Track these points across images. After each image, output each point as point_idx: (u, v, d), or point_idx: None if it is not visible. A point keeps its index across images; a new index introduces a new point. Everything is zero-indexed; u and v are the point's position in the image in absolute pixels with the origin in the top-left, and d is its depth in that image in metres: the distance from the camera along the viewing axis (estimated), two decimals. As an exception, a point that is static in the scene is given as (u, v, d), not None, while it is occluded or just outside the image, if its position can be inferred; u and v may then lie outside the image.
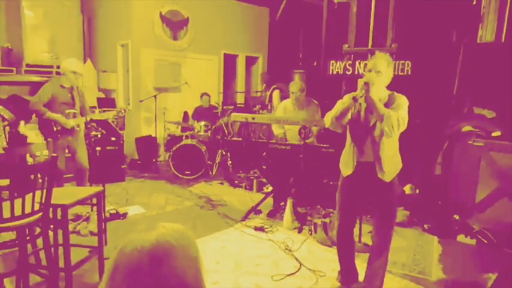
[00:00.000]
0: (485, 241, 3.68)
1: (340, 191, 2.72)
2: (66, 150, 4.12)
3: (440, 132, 4.67)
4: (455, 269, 3.21)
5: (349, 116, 2.54)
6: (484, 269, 3.17)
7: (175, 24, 7.08)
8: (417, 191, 4.66)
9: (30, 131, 4.90)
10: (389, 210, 2.62)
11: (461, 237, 3.79)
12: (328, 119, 2.56)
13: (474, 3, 4.60)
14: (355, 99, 2.39)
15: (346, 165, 2.63)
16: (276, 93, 6.88)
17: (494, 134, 4.18)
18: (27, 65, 6.29)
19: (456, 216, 4.13)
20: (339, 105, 2.52)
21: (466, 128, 4.38)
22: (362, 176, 2.57)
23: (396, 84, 4.61)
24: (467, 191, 4.17)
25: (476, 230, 3.81)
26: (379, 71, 2.44)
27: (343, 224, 2.74)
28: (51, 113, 3.90)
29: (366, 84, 2.36)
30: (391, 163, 2.53)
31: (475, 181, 4.11)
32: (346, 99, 2.50)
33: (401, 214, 4.20)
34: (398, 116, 2.34)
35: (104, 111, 5.41)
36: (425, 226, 4.05)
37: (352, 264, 2.85)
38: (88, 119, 4.01)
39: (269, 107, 6.96)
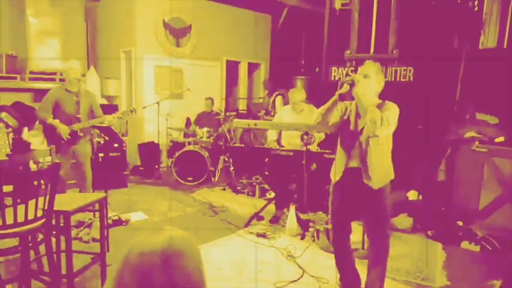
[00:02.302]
0: (490, 247, 3.65)
1: (330, 198, 2.73)
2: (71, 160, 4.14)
3: (443, 138, 4.66)
4: (459, 275, 3.19)
5: (337, 117, 2.58)
6: (489, 276, 3.14)
7: (178, 31, 7.13)
8: (420, 197, 4.64)
9: (34, 138, 4.93)
10: (378, 219, 2.60)
11: (465, 244, 3.76)
12: (316, 114, 2.61)
13: (476, 9, 4.61)
14: (340, 96, 2.43)
15: (335, 171, 2.64)
16: (278, 99, 6.90)
17: (497, 140, 4.17)
18: (31, 72, 6.35)
19: (460, 223, 4.10)
20: (327, 102, 2.56)
21: (469, 134, 4.37)
22: (349, 182, 2.58)
23: (399, 91, 4.63)
24: (471, 197, 4.15)
25: (480, 236, 3.78)
26: (367, 75, 2.48)
27: (336, 231, 2.75)
28: (53, 120, 3.94)
29: (351, 80, 2.41)
30: (378, 170, 2.52)
31: (478, 187, 4.09)
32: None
33: (404, 221, 4.18)
34: (382, 115, 2.34)
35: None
36: (429, 232, 4.02)
37: (352, 271, 2.84)
38: (87, 125, 4.02)
39: (272, 113, 6.97)
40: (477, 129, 4.35)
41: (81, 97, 4.08)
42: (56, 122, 3.93)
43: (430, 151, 4.77)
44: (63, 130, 3.94)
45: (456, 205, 4.33)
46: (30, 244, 2.59)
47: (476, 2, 4.61)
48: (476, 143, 4.17)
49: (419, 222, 4.21)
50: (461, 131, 4.46)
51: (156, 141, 6.62)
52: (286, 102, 6.14)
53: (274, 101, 7.01)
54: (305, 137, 4.00)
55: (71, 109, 4.02)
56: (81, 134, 4.06)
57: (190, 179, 5.94)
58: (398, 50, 4.65)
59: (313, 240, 3.80)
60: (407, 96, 4.72)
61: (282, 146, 4.56)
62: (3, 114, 5.19)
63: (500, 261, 3.45)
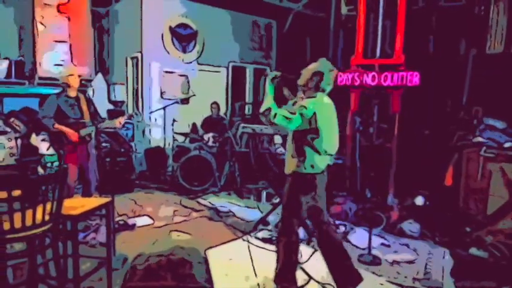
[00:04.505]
0: (498, 254, 3.61)
1: None
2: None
3: (450, 144, 4.62)
4: (467, 282, 3.15)
5: None
6: (497, 283, 3.10)
7: (184, 37, 7.18)
8: (427, 203, 4.60)
9: (42, 143, 4.97)
10: (283, 202, 2.91)
11: (473, 250, 3.72)
12: None
13: (482, 13, 4.60)
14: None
15: None
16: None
17: (506, 145, 4.13)
18: (40, 78, 6.43)
19: (467, 229, 4.06)
20: None
21: (476, 139, 4.33)
22: None
23: (405, 95, 4.61)
24: (478, 203, 4.11)
25: (489, 242, 3.74)
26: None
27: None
28: (58, 125, 3.96)
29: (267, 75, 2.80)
30: (289, 159, 2.83)
31: (486, 192, 4.05)
32: None
33: (412, 226, 4.15)
34: (278, 111, 2.64)
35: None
36: (437, 238, 3.99)
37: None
38: (94, 129, 4.04)
39: None
40: (485, 134, 4.31)
41: (81, 102, 4.12)
42: (62, 127, 3.97)
43: (438, 156, 4.74)
44: (72, 133, 3.97)
45: (464, 211, 4.29)
46: (38, 248, 2.61)
47: (482, 7, 4.60)
48: (484, 148, 4.14)
49: (426, 228, 4.17)
50: (469, 136, 4.42)
51: (162, 146, 6.65)
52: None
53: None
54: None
55: (74, 114, 4.06)
56: (88, 139, 4.09)
57: (196, 183, 5.95)
58: (405, 54, 4.64)
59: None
60: (413, 101, 4.72)
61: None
62: (12, 120, 5.26)
63: (508, 268, 3.41)
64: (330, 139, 2.78)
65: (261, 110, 2.70)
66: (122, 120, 4.23)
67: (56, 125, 3.95)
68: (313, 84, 2.79)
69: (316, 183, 2.80)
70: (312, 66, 2.83)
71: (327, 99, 2.83)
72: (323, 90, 2.81)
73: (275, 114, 2.62)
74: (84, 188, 4.25)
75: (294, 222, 2.85)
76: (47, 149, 4.23)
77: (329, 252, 2.90)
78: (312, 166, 2.75)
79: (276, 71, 2.83)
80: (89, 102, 4.28)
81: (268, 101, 2.69)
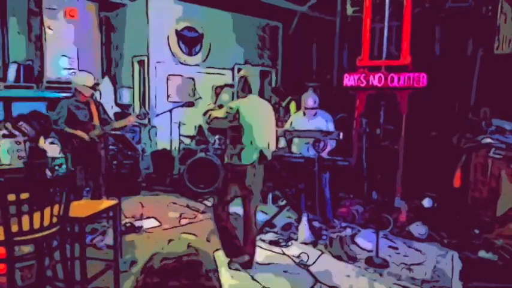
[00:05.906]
0: (507, 256, 3.56)
1: None
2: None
3: (458, 145, 4.58)
4: (476, 285, 3.11)
5: None
6: (507, 286, 3.06)
7: (190, 40, 7.22)
8: (435, 205, 4.56)
9: (50, 146, 5.01)
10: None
11: (482, 253, 3.67)
12: None
13: (489, 14, 4.56)
14: None
15: None
16: (292, 105, 6.90)
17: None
18: (48, 82, 6.49)
19: (476, 231, 4.02)
20: None
21: (485, 140, 4.29)
22: None
23: (412, 97, 4.58)
24: (487, 205, 4.06)
25: (498, 244, 3.69)
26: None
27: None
28: (69, 129, 4.01)
29: None
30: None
31: (495, 194, 4.01)
32: None
33: (419, 228, 4.11)
34: (212, 113, 3.31)
35: None
36: (445, 241, 3.95)
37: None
38: (103, 131, 4.08)
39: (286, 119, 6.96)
40: (494, 135, 4.27)
41: (91, 106, 4.17)
42: (73, 131, 4.02)
43: (446, 158, 4.70)
44: (83, 135, 4.02)
45: (472, 213, 4.25)
46: (46, 251, 2.62)
47: (490, 7, 4.56)
48: (493, 149, 4.10)
49: (434, 230, 4.14)
50: (477, 138, 4.38)
51: (168, 149, 6.67)
52: (299, 108, 6.14)
53: (287, 107, 7.00)
54: (317, 143, 3.98)
55: (84, 118, 4.10)
56: (98, 140, 4.13)
57: (202, 186, 5.95)
58: (411, 56, 4.62)
59: (326, 248, 3.77)
60: (420, 103, 4.68)
61: (293, 153, 4.55)
62: (20, 123, 5.32)
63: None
64: (255, 134, 3.12)
65: (203, 113, 3.39)
66: (132, 119, 4.28)
67: (67, 129, 4.01)
68: (240, 88, 3.31)
69: (245, 173, 3.13)
70: (240, 73, 3.38)
71: (254, 99, 3.34)
72: (251, 92, 3.32)
73: (209, 115, 3.25)
74: (93, 191, 4.29)
75: (219, 207, 3.31)
76: (59, 153, 4.28)
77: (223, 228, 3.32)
78: (239, 158, 3.11)
79: (227, 83, 3.35)
80: (99, 105, 4.34)
81: (209, 106, 3.41)
